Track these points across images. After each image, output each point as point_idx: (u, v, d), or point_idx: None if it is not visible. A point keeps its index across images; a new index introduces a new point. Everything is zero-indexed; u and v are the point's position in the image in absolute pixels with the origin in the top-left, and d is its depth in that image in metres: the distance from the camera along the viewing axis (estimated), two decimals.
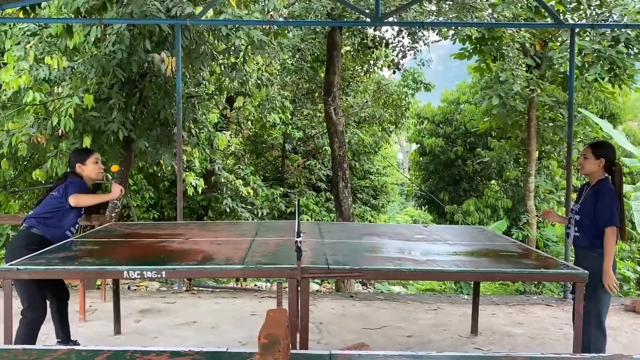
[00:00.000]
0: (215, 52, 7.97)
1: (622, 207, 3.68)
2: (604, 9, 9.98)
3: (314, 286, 11.88)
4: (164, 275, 3.27)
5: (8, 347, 2.15)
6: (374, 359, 1.83)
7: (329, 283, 12.32)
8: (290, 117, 15.03)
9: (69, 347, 2.04)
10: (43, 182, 7.73)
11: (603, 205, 3.64)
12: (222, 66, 8.64)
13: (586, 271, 3.34)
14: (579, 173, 3.96)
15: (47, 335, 4.35)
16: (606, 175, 3.77)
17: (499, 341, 4.90)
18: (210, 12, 7.06)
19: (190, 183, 10.12)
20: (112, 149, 7.69)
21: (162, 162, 8.66)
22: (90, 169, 4.25)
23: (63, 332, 4.23)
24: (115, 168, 4.79)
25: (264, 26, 8.21)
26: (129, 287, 8.05)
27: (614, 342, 4.93)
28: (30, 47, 7.08)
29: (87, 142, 7.10)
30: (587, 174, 3.85)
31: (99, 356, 1.75)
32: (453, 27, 10.64)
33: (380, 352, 1.85)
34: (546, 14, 9.52)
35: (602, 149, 3.79)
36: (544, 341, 4.93)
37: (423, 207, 18.77)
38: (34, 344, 3.83)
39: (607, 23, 9.61)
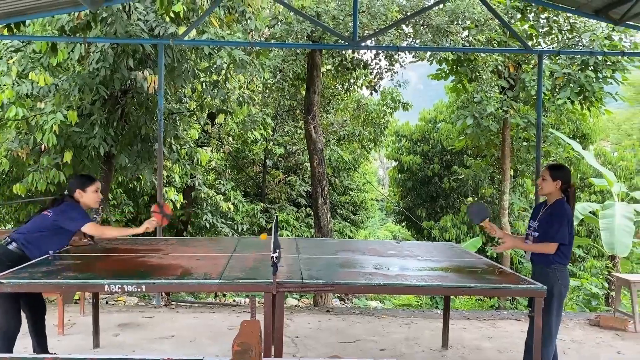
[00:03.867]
0: (197, 70, 8.13)
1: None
2: (574, 34, 10.42)
3: (292, 301, 11.97)
4: (144, 290, 3.40)
5: None
6: None
7: (307, 298, 12.42)
8: (271, 133, 15.19)
9: (53, 355, 2.15)
10: (23, 196, 7.76)
11: (554, 223, 3.86)
12: (204, 84, 8.79)
13: (545, 286, 3.55)
14: (538, 193, 4.16)
15: (25, 348, 4.42)
16: (562, 196, 3.99)
17: (468, 355, 5.08)
18: (193, 32, 7.23)
19: (170, 198, 10.19)
20: (93, 163, 7.78)
21: (142, 177, 8.73)
22: (89, 197, 4.26)
23: (39, 347, 4.26)
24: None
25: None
26: (106, 302, 8.06)
27: (577, 355, 5.16)
28: (13, 62, 7.15)
29: (68, 157, 7.19)
30: (545, 195, 4.07)
31: None
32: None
33: None
34: None
35: (560, 171, 4.00)
36: (512, 355, 5.12)
37: (401, 223, 19.02)
38: None
39: (573, 50, 10.04)
